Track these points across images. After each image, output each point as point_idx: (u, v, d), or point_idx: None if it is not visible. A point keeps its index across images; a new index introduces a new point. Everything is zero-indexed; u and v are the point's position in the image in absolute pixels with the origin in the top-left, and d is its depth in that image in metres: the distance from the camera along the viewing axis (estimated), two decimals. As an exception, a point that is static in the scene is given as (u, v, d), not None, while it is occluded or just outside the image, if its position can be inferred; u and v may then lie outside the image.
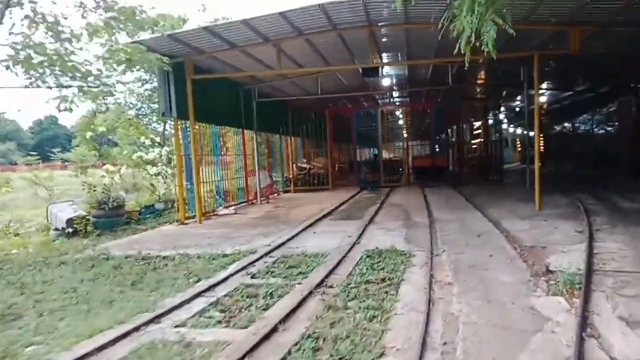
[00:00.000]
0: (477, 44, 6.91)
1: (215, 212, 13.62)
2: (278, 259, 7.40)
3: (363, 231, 9.51)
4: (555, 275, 5.69)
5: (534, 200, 11.27)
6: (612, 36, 11.86)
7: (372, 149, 33.49)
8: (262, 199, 16.57)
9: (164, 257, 7.93)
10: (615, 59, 14.12)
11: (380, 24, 11.68)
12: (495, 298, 5.12)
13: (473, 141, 29.69)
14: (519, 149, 53.91)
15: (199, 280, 6.38)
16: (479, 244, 7.78)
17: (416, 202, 14.21)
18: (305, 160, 23.37)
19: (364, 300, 5.17)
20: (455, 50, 7.38)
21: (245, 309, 5.15)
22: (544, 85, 20.18)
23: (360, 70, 12.66)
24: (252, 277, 6.41)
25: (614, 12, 9.81)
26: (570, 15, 10.07)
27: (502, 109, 27.69)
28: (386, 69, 17.68)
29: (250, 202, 16.42)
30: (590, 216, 9.53)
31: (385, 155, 24.70)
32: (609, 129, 23.38)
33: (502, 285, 5.52)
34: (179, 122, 12.51)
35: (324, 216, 12.24)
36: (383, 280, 5.94)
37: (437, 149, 26.55)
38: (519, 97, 24.49)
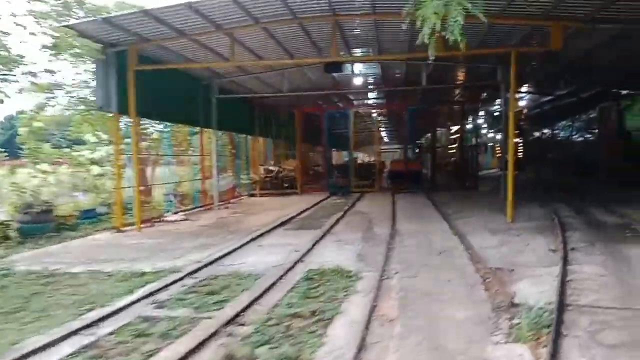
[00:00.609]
0: (448, 37, 5.97)
1: (163, 219, 12.39)
2: (201, 280, 6.25)
3: (315, 244, 8.43)
4: (521, 311, 4.65)
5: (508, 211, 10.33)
6: (597, 35, 11.01)
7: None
8: (220, 203, 15.36)
9: (71, 275, 6.73)
10: (598, 61, 13.32)
11: (344, 13, 10.61)
12: (444, 344, 4.05)
13: (451, 146, 28.92)
14: (498, 155, 53.79)
15: (91, 309, 5.19)
16: (439, 264, 6.73)
17: (383, 210, 13.18)
18: (273, 163, 22.24)
19: (278, 346, 4.06)
20: (418, 41, 6.39)
21: (124, 356, 3.99)
22: (524, 89, 19.37)
23: (323, 65, 11.56)
24: (158, 306, 5.25)
25: (598, 7, 8.91)
26: (551, 8, 9.14)
27: (482, 112, 26.94)
28: (359, 68, 16.66)
29: (206, 208, 15.20)
30: (567, 231, 8.58)
31: (367, 159, 23.74)
32: (589, 136, 22.72)
33: (455, 325, 4.46)
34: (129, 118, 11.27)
35: (280, 225, 11.13)
36: (314, 313, 4.84)
37: (415, 153, 25.71)
38: (498, 101, 23.74)
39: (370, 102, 22.64)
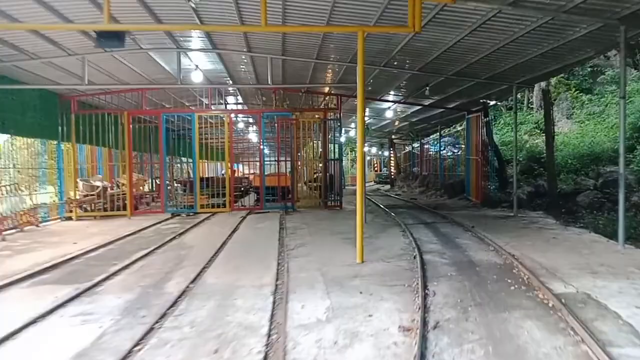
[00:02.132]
0: None
1: None
2: None
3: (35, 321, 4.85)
4: None
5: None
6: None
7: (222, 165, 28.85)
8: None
9: None
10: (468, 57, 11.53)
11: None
12: None
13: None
14: (375, 169, 53.85)
15: None
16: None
17: (214, 241, 9.88)
18: (100, 177, 17.81)
19: None
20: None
21: None
22: (390, 97, 17.55)
23: (94, 35, 7.98)
24: None
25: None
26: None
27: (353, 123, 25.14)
28: (199, 62, 13.33)
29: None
30: (429, 282, 6.09)
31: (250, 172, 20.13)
32: (457, 151, 21.92)
33: None
34: None
35: (37, 273, 7.29)
36: None
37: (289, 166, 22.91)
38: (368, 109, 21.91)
39: (236, 106, 19.45)
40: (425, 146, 28.35)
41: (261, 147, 16.61)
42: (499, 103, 18.27)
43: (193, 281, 6.65)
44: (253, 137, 28.51)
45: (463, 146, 20.19)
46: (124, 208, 15.84)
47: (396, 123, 24.46)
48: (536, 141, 21.37)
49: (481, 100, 16.13)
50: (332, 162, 17.31)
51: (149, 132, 19.12)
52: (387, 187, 32.75)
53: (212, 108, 17.05)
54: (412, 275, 6.49)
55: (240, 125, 25.88)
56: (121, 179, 19.14)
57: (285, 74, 14.56)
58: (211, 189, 17.84)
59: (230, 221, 13.55)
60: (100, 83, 13.68)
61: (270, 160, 21.10)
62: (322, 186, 17.22)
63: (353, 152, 50.94)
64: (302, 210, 16.38)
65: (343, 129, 30.31)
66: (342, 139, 35.20)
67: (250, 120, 23.55)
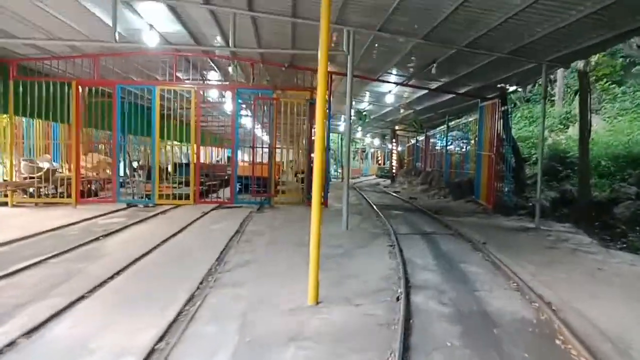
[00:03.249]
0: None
1: None
2: None
3: None
4: None
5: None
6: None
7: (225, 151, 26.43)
8: None
9: None
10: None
11: None
12: None
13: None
14: (379, 162, 51.05)
15: None
16: None
17: (129, 253, 7.31)
18: (49, 157, 15.29)
19: None
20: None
21: None
22: (392, 78, 14.83)
23: None
24: None
25: None
26: None
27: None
28: (153, 21, 10.70)
29: None
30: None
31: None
32: (466, 145, 19.17)
33: None
34: None
35: None
36: None
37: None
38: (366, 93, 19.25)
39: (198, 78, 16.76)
40: (432, 140, 25.58)
41: (234, 129, 13.97)
42: (519, 90, 15.47)
43: (32, 331, 4.10)
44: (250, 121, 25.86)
45: (473, 140, 17.48)
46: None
47: (401, 111, 21.71)
48: (559, 138, 18.64)
49: (498, 85, 13.38)
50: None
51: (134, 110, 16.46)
52: (388, 182, 30.12)
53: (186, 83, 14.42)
54: (388, 342, 3.89)
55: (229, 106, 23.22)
56: (81, 160, 16.70)
57: (260, 41, 11.90)
58: (182, 177, 15.37)
59: (185, 218, 11.01)
60: (31, 38, 11.06)
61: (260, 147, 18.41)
62: (305, 180, 14.59)
63: (355, 144, 48.33)
64: (279, 207, 13.84)
65: (341, 116, 27.63)
66: (341, 128, 32.50)
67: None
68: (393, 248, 7.72)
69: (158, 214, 11.98)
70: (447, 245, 8.22)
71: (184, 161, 21.24)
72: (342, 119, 29.02)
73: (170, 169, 24.79)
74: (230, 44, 9.57)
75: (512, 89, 13.91)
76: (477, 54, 10.52)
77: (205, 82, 16.29)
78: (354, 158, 51.36)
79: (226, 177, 18.91)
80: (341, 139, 38.35)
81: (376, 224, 10.91)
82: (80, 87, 13.41)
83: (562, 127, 18.80)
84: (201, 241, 8.43)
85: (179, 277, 5.82)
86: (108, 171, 19.86)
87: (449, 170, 19.88)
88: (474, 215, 12.54)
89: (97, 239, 8.40)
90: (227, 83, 14.18)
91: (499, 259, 6.96)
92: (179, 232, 9.28)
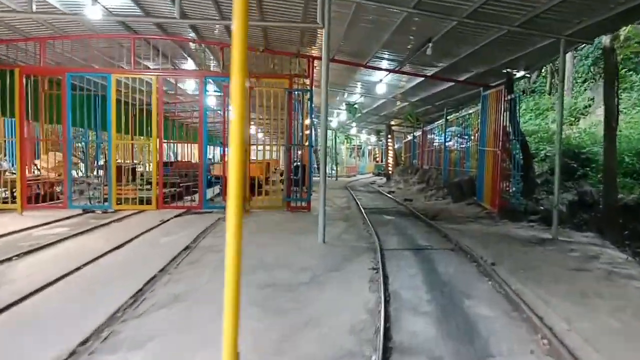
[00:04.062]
0: None
1: None
2: None
3: None
4: None
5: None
6: None
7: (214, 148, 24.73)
8: None
9: None
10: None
11: None
12: None
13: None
14: (377, 159, 49.15)
15: None
16: None
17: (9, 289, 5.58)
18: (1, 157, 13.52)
19: None
20: None
21: None
22: (384, 64, 13.04)
23: None
24: None
25: None
26: None
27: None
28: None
29: None
30: None
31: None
32: (466, 140, 17.35)
33: None
34: None
35: None
36: None
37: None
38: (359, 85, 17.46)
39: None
40: (429, 136, 23.75)
41: (201, 121, 12.18)
42: (527, 75, 13.64)
43: None
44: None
45: (475, 135, 15.68)
46: (29, 200, 11.83)
47: (397, 103, 19.90)
48: (571, 131, 16.87)
49: (504, 70, 11.58)
50: (299, 148, 12.93)
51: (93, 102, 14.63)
52: (385, 180, 28.37)
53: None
54: None
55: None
56: (42, 161, 14.95)
57: (222, 14, 10.11)
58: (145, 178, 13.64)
59: (137, 228, 9.28)
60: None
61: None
62: (285, 180, 12.81)
63: (350, 141, 46.54)
64: (256, 213, 12.11)
65: (333, 111, 25.80)
66: (334, 123, 30.62)
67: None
68: (376, 272, 5.95)
69: (111, 222, 10.28)
70: (446, 267, 6.44)
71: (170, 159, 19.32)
72: (335, 114, 27.22)
73: (152, 168, 23.06)
74: (176, 13, 7.76)
75: (519, 75, 12.09)
76: (479, 30, 8.73)
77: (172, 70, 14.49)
78: (350, 155, 49.56)
79: (212, 179, 17.11)
80: (336, 136, 36.58)
81: (362, 233, 9.14)
82: (25, 75, 11.62)
83: (572, 119, 17.01)
84: (136, 261, 6.67)
85: (60, 328, 4.05)
86: (74, 172, 18.18)
87: (447, 168, 18.09)
88: (477, 222, 10.77)
89: (9, 259, 6.67)
90: (195, 70, 12.40)
91: (516, 291, 5.18)
92: (119, 247, 7.55)
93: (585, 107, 17.68)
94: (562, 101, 8.93)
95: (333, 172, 35.43)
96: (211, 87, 14.91)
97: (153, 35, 11.87)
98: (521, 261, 6.80)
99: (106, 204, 12.07)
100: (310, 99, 12.41)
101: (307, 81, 12.42)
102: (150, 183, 15.34)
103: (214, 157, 33.57)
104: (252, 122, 12.39)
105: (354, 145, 49.11)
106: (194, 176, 16.21)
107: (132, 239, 8.16)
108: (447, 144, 18.39)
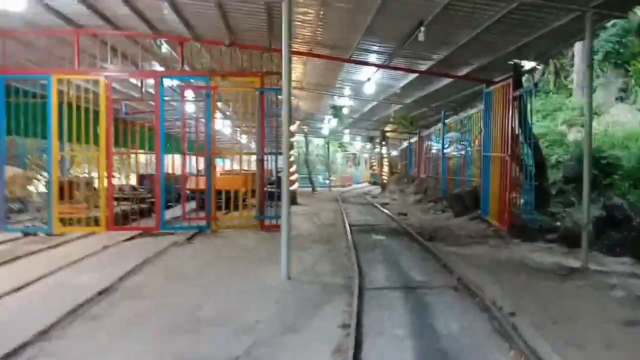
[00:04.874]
0: None
1: None
2: None
3: None
4: None
5: None
6: None
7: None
8: None
9: None
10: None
11: None
12: None
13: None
14: (373, 168, 47.24)
15: None
16: None
17: None
18: None
19: None
20: None
21: None
22: (372, 57, 11.31)
23: None
24: None
25: None
26: None
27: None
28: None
29: None
30: None
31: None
32: (466, 146, 15.53)
33: None
34: None
35: None
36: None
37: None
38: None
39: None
40: (426, 142, 21.95)
41: (158, 127, 10.40)
42: (538, 67, 11.84)
43: None
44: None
45: (476, 139, 13.90)
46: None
47: (391, 106, 18.14)
48: (579, 134, 15.08)
49: (511, 62, 9.82)
50: (273, 157, 11.17)
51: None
52: (380, 190, 26.59)
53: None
54: None
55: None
56: None
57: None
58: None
59: (60, 261, 7.40)
60: None
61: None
62: (257, 194, 10.99)
63: (343, 148, 44.79)
64: (223, 234, 10.37)
65: (324, 117, 24.02)
66: (325, 131, 28.81)
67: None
68: (347, 335, 4.11)
69: (42, 249, 8.52)
70: (447, 321, 4.60)
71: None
72: (326, 120, 25.41)
73: (134, 182, 21.16)
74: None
75: (528, 66, 10.34)
76: (481, 7, 6.99)
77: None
78: (345, 164, 47.80)
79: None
80: (328, 144, 34.85)
81: (342, 261, 7.33)
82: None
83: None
84: (17, 315, 4.84)
85: None
86: (31, 188, 16.37)
87: (446, 177, 16.29)
88: (483, 243, 8.95)
89: None
90: (149, 70, 10.61)
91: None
92: (19, 289, 5.72)
93: (600, 105, 15.95)
94: (591, 91, 7.17)
95: (327, 182, 33.65)
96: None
97: (101, 30, 10.12)
98: (550, 307, 4.97)
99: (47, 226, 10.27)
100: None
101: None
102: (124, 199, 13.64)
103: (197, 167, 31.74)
104: (236, 128, 10.61)
105: (349, 154, 47.38)
106: (169, 190, 14.25)
107: (42, 277, 6.34)
108: (445, 150, 16.60)
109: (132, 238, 9.92)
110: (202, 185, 11.33)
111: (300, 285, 5.90)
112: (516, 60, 10.03)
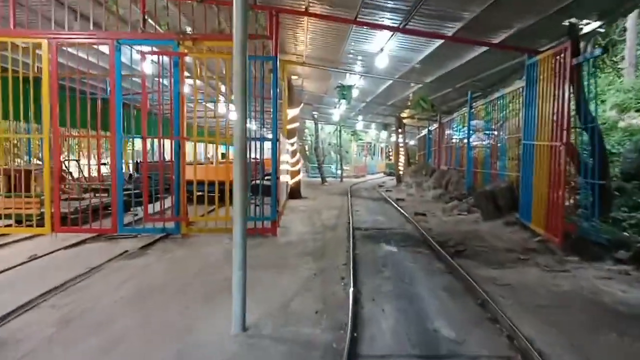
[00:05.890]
0: None
1: None
2: None
3: None
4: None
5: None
6: None
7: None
8: None
9: None
10: None
11: None
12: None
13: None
14: (390, 158, 44.67)
15: None
16: None
17: None
18: None
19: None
20: None
21: None
22: (383, 19, 8.94)
23: None
24: None
25: None
26: None
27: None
28: None
29: None
30: None
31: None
32: (503, 132, 13.04)
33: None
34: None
35: None
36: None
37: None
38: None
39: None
40: (448, 130, 19.45)
41: (113, 103, 8.28)
42: (600, 30, 9.26)
43: None
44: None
45: (512, 124, 11.46)
46: None
47: (412, 85, 15.68)
48: (635, 120, 12.60)
49: (566, 22, 7.39)
50: (259, 143, 9.00)
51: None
52: (395, 182, 24.28)
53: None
54: None
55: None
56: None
57: None
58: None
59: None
60: None
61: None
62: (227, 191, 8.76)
63: (357, 137, 42.39)
64: (193, 239, 8.30)
65: (331, 99, 21.66)
66: (335, 117, 26.40)
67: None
68: None
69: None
70: None
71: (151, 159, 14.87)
72: (337, 104, 23.00)
73: (130, 169, 19.21)
74: None
75: (588, 28, 7.89)
76: None
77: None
78: (360, 154, 45.38)
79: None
80: (340, 131, 32.46)
81: (332, 295, 5.11)
82: None
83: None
84: None
85: None
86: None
87: (472, 170, 13.89)
88: (529, 262, 6.64)
89: None
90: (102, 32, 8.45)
91: None
92: None
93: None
94: None
95: (337, 173, 31.42)
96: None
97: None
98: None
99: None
100: (275, 70, 8.39)
101: (271, 44, 8.45)
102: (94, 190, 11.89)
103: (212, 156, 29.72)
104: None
105: (364, 142, 44.96)
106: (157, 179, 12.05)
107: None
108: (471, 138, 14.17)
109: (79, 243, 7.94)
110: (200, 176, 9.45)
111: (256, 347, 3.72)
112: (572, 21, 7.60)
